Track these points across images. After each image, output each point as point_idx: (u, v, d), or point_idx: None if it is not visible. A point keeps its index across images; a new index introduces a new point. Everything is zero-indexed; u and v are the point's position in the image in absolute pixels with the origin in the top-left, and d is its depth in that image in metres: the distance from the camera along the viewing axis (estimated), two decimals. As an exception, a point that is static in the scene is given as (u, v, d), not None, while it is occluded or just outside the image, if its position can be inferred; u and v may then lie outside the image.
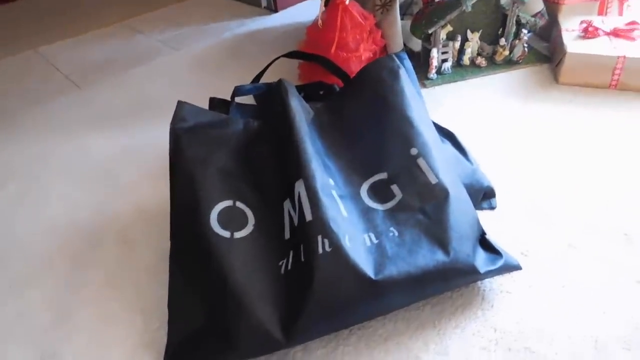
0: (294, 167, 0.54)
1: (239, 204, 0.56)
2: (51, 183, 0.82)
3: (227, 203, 0.55)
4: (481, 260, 0.52)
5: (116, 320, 0.57)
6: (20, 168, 0.86)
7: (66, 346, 0.55)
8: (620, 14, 1.02)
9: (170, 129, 0.60)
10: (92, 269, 0.65)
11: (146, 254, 0.66)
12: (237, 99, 0.75)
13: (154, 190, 0.77)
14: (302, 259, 0.50)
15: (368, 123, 0.61)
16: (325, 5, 0.92)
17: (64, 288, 0.62)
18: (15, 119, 1.01)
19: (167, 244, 0.63)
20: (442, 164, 0.57)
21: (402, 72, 0.63)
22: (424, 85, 0.94)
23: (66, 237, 0.70)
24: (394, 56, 0.65)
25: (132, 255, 0.66)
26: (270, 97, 0.73)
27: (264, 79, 0.83)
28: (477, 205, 0.65)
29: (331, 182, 0.55)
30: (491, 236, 0.56)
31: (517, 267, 0.54)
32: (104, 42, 1.33)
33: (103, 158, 0.86)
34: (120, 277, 0.63)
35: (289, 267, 0.51)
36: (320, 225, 0.49)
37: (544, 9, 0.99)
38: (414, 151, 0.57)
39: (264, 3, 1.38)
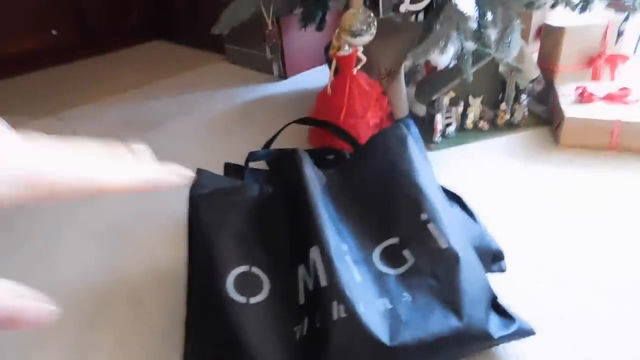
0: (308, 233, 0.56)
1: (254, 269, 0.57)
2: (66, 243, 0.83)
3: (244, 268, 0.57)
4: (494, 325, 0.53)
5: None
6: (36, 228, 0.88)
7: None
8: (612, 78, 1.08)
9: (189, 195, 0.63)
10: (102, 330, 0.65)
11: (158, 316, 0.66)
12: (250, 164, 0.78)
13: (167, 252, 0.78)
14: (318, 325, 0.50)
15: (379, 189, 0.63)
16: (334, 74, 0.97)
17: (73, 350, 0.62)
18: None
19: (180, 306, 0.64)
20: (451, 228, 0.59)
21: (410, 140, 0.67)
22: (429, 149, 0.98)
23: (77, 298, 0.71)
24: (401, 124, 0.69)
25: (144, 317, 0.66)
26: (282, 163, 0.76)
27: (275, 144, 0.87)
28: (487, 268, 0.66)
29: (344, 247, 0.57)
30: (503, 300, 0.57)
31: (531, 332, 0.54)
32: (120, 108, 1.40)
33: (117, 219, 0.88)
34: (132, 340, 0.63)
35: (305, 332, 0.52)
36: (335, 291, 0.50)
37: (541, 75, 1.05)
38: (424, 216, 0.59)
39: (275, 72, 1.46)
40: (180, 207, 0.81)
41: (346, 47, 0.93)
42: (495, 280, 0.65)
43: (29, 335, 0.65)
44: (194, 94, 1.44)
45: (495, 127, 1.03)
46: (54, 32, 1.67)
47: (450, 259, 0.55)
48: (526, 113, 1.02)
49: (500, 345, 0.56)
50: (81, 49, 1.82)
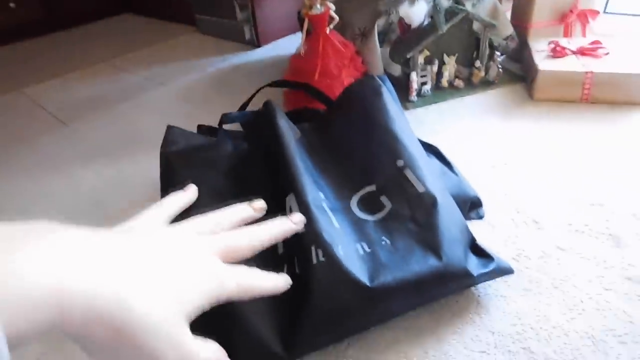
0: (284, 182, 0.55)
1: (231, 222, 0.56)
2: (39, 217, 0.81)
3: (220, 221, 0.55)
4: (473, 264, 0.53)
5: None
6: (7, 204, 0.85)
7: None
8: (584, 35, 1.08)
9: (161, 152, 0.61)
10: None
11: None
12: (225, 127, 0.76)
13: (144, 219, 0.76)
14: (297, 271, 0.50)
15: (354, 139, 0.63)
16: (307, 34, 0.95)
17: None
18: (1, 156, 1.01)
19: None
20: (428, 174, 0.59)
21: (384, 90, 0.66)
22: (405, 108, 0.97)
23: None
24: (375, 76, 0.68)
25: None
26: (257, 123, 0.74)
27: (249, 109, 0.85)
28: (466, 216, 0.67)
29: (321, 195, 0.56)
30: (481, 243, 0.57)
31: (509, 271, 0.55)
32: (89, 81, 1.35)
33: (92, 190, 0.86)
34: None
35: (285, 280, 0.51)
36: (313, 235, 0.50)
37: (514, 32, 1.05)
38: (400, 163, 0.58)
39: (247, 35, 1.43)
40: (154, 172, 0.79)
41: (318, 6, 0.91)
42: (474, 227, 0.65)
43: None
44: (166, 66, 1.40)
45: (471, 85, 1.03)
46: (11, 5, 1.59)
47: (427, 203, 0.55)
48: (501, 70, 1.02)
49: (480, 286, 0.57)
50: (45, 24, 1.74)
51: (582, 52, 0.96)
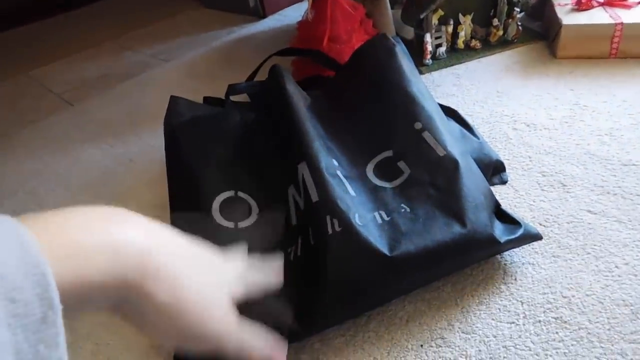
0: (295, 150, 0.52)
1: (240, 194, 0.53)
2: (48, 197, 0.79)
3: (229, 194, 0.53)
4: (499, 230, 0.50)
5: (123, 325, 0.54)
6: (15, 185, 0.84)
7: (72, 358, 0.52)
8: (611, -15, 1.01)
9: (165, 123, 0.58)
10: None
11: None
12: (232, 99, 0.73)
13: (153, 195, 0.74)
14: (312, 242, 0.47)
15: (368, 103, 0.59)
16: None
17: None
18: (9, 139, 0.99)
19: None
20: (448, 137, 0.55)
21: (398, 49, 0.62)
22: (420, 72, 0.92)
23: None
24: (387, 35, 0.64)
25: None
26: (265, 92, 0.71)
27: (257, 79, 0.82)
28: (489, 181, 0.63)
29: (335, 163, 0.53)
30: (507, 208, 0.54)
31: (538, 236, 0.52)
32: (94, 62, 1.32)
33: (100, 168, 0.84)
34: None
35: (299, 252, 0.49)
36: (328, 204, 0.47)
37: (534, -14, 0.98)
38: (418, 125, 0.55)
39: (251, 3, 1.38)
40: (161, 148, 0.77)
41: (325, -34, 0.85)
42: (498, 192, 0.62)
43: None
44: (172, 41, 1.36)
45: (489, 45, 0.97)
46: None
47: (448, 166, 0.51)
48: (520, 28, 0.96)
49: (506, 254, 0.54)
50: (47, 6, 1.71)
51: (610, 3, 0.90)
